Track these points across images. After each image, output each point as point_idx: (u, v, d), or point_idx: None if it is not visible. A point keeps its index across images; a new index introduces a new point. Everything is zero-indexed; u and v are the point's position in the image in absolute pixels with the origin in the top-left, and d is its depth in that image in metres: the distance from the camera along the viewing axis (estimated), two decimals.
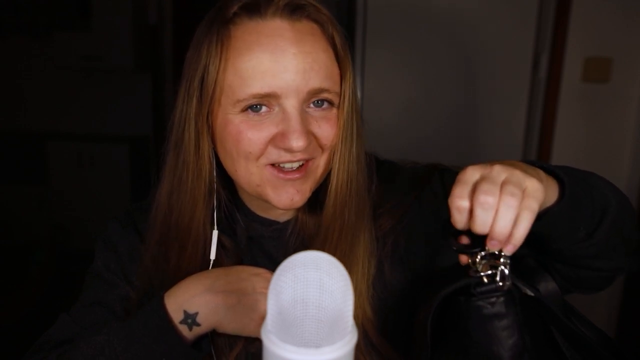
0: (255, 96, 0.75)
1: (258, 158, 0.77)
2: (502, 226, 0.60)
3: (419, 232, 0.86)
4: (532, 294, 0.71)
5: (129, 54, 3.53)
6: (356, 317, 0.80)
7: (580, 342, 0.71)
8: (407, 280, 0.85)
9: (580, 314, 0.77)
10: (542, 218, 0.66)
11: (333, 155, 0.80)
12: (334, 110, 0.79)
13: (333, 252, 0.78)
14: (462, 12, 2.31)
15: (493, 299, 0.67)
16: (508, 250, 0.62)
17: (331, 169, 0.81)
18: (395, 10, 2.33)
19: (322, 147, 0.79)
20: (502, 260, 0.65)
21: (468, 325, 0.69)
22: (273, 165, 0.78)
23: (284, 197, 0.78)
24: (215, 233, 0.84)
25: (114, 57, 3.53)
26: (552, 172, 0.70)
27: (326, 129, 0.78)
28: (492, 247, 0.62)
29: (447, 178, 0.89)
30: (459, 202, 0.62)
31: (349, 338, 0.50)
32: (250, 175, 0.79)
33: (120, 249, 0.88)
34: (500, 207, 0.60)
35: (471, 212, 0.62)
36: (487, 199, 0.60)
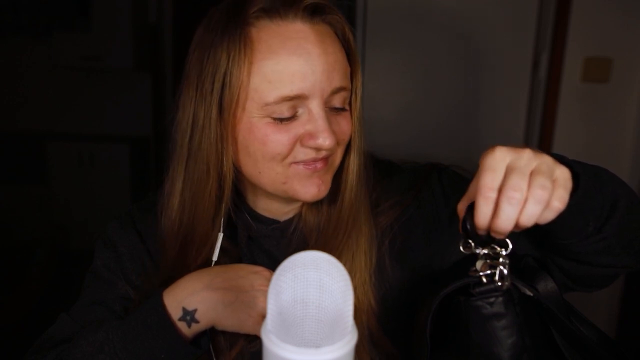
0: (284, 98, 0.75)
1: (285, 158, 0.78)
2: (526, 220, 0.58)
3: (417, 232, 0.86)
4: (531, 294, 0.71)
5: (129, 54, 3.53)
6: (361, 304, 0.81)
7: (580, 342, 0.71)
8: (406, 280, 0.85)
9: (580, 314, 0.77)
10: None
11: (349, 148, 0.83)
12: (347, 107, 0.82)
13: (345, 243, 0.82)
14: (462, 12, 2.30)
15: (492, 299, 0.68)
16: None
17: (345, 161, 0.84)
18: (395, 10, 2.32)
19: (339, 142, 0.81)
20: (501, 260, 0.65)
21: (467, 325, 0.69)
22: (296, 162, 0.79)
23: (311, 189, 0.80)
24: (220, 236, 0.84)
25: (114, 57, 3.53)
26: (565, 163, 0.68)
27: (344, 125, 0.81)
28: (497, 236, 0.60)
29: (445, 178, 0.89)
30: (489, 193, 0.59)
31: (349, 338, 0.50)
32: (276, 175, 0.79)
33: (121, 249, 0.88)
34: (529, 201, 0.58)
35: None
36: (515, 194, 0.57)
